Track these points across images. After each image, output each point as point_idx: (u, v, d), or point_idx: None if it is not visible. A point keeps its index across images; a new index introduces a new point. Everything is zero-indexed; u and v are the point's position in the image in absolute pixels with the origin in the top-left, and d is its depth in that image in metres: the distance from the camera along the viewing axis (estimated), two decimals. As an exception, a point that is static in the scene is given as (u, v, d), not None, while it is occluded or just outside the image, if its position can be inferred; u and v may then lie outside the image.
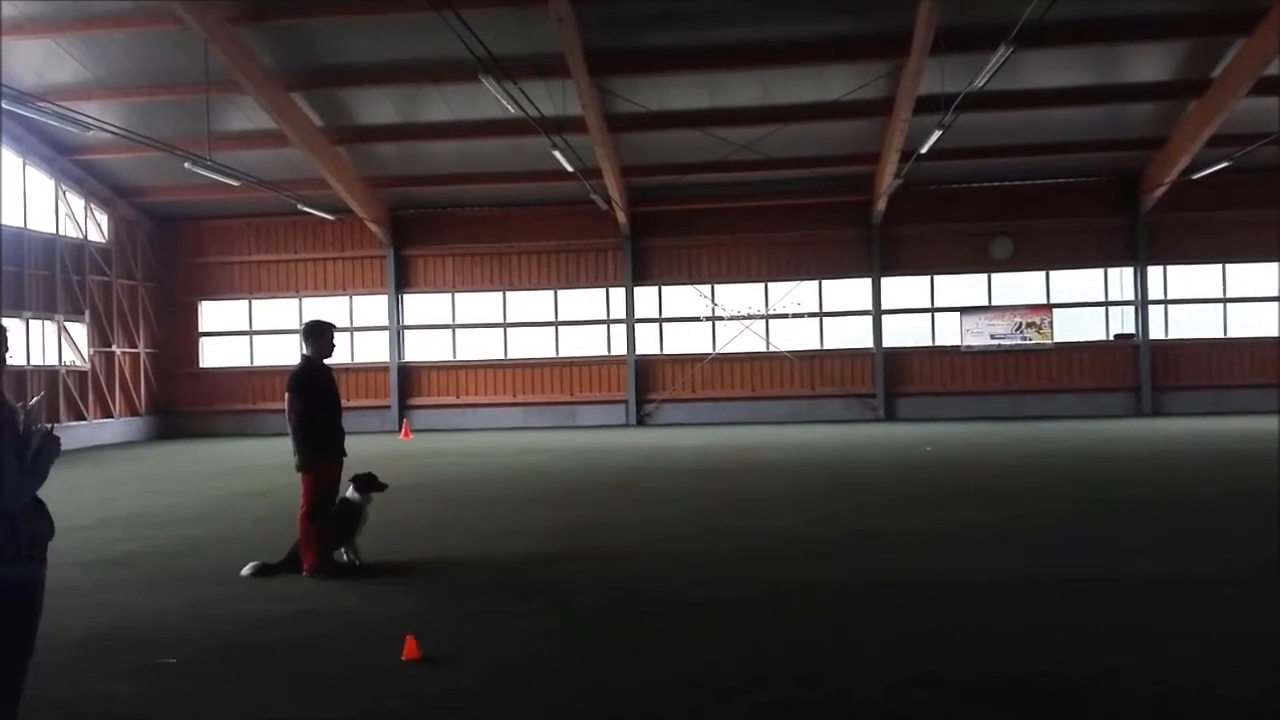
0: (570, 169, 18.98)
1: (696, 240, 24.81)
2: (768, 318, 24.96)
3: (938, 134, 18.66)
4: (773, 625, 5.87)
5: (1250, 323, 23.54)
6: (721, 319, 25.08)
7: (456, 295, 25.62)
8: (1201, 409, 22.87)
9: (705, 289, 25.12)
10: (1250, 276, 23.56)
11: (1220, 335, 23.61)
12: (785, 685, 4.67)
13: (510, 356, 25.49)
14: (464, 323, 25.66)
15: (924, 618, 5.83)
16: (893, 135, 20.27)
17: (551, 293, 25.42)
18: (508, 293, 25.48)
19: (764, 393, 24.81)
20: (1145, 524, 8.77)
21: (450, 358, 25.60)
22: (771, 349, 24.88)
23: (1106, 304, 24.08)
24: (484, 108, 18.85)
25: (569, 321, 25.49)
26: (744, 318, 25.01)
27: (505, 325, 25.57)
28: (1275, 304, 23.28)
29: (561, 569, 7.63)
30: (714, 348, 24.99)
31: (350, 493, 7.71)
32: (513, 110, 15.72)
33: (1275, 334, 23.08)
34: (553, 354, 25.46)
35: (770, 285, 24.99)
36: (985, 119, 20.28)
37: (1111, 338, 23.98)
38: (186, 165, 17.57)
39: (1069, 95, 19.84)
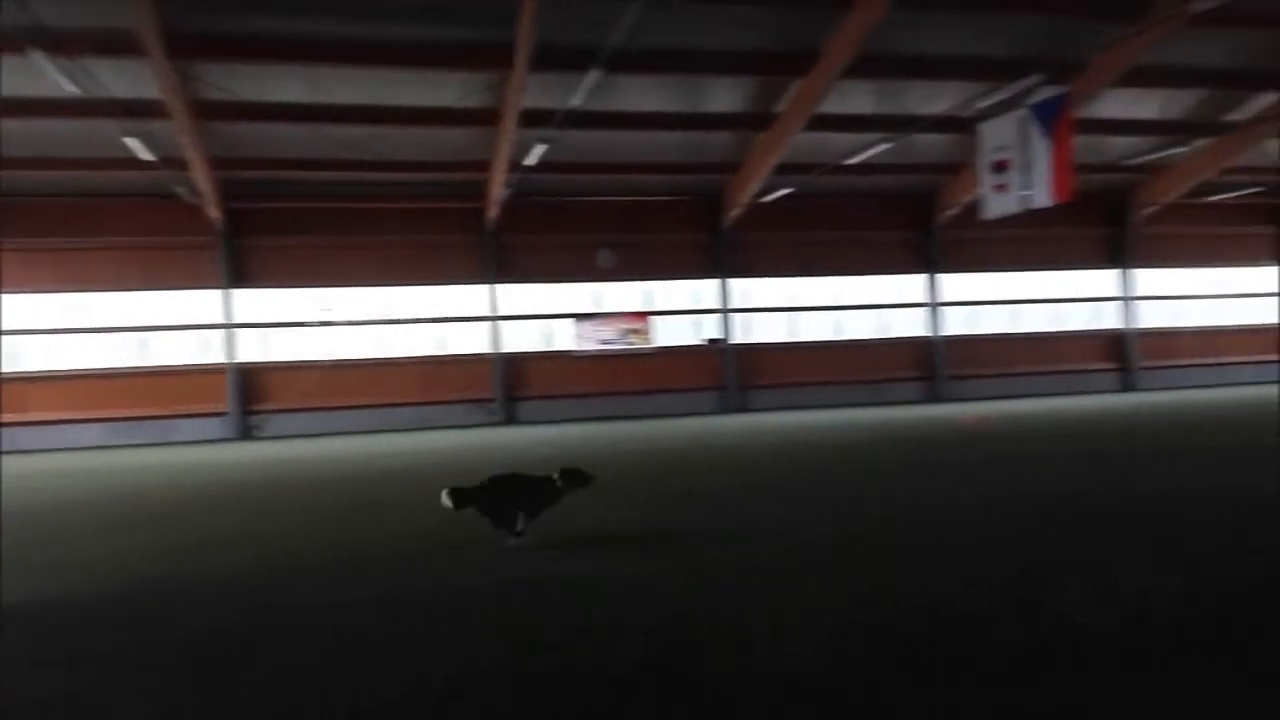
0: (150, 157, 17.25)
1: (305, 241, 23.66)
2: (385, 323, 24.43)
3: (543, 148, 19.39)
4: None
5: (818, 329, 26.94)
6: (336, 324, 24.14)
7: (8, 297, 22.22)
8: (777, 404, 25.81)
9: (318, 292, 24.04)
10: (817, 289, 26.97)
11: (793, 339, 26.77)
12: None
13: (85, 367, 22.63)
14: (20, 329, 22.35)
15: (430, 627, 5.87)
16: (501, 146, 20.70)
17: (135, 294, 22.93)
18: (81, 294, 22.60)
19: (384, 400, 24.22)
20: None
21: None
22: (391, 355, 24.37)
23: (697, 311, 26.37)
24: (42, 83, 16.53)
25: (158, 326, 23.15)
26: (360, 323, 24.27)
27: (78, 331, 22.65)
28: (836, 313, 26.93)
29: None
30: (328, 355, 23.98)
31: (556, 477, 6.99)
32: (74, 89, 13.97)
33: (837, 338, 26.78)
34: (140, 363, 22.98)
35: (387, 290, 24.47)
36: (588, 136, 21.41)
37: (702, 342, 26.30)
38: None
39: (659, 120, 21.46)
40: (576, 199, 25.11)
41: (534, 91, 18.55)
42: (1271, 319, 29.79)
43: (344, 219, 23.62)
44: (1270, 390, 24.58)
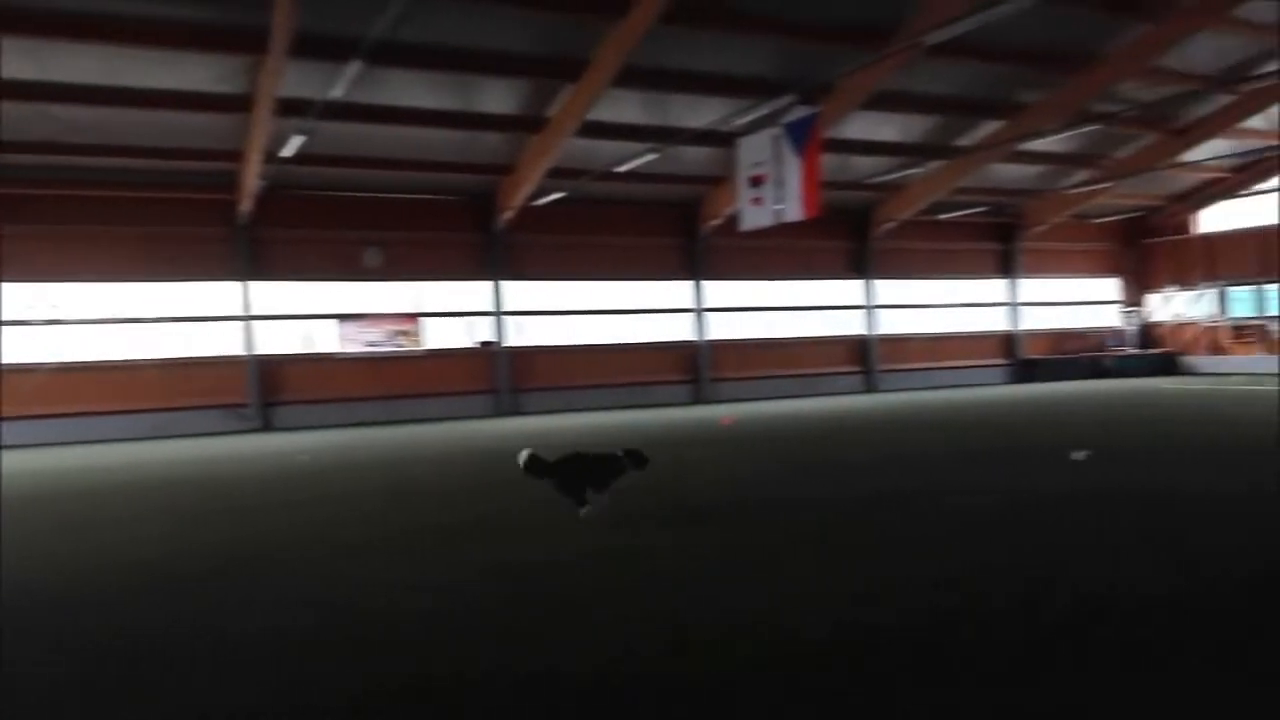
0: None
1: (21, 230, 21.27)
2: (123, 321, 22.45)
3: (300, 139, 18.49)
4: None
5: (590, 332, 27.26)
6: (65, 323, 21.92)
7: None
8: (551, 407, 25.91)
9: (41, 288, 21.73)
10: (590, 293, 27.29)
11: (563, 343, 26.95)
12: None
13: None
14: None
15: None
16: (255, 135, 19.54)
17: None
18: None
19: (124, 406, 22.21)
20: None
21: None
22: (130, 357, 22.41)
23: (470, 314, 26.01)
24: None
25: None
26: (94, 321, 22.18)
27: None
28: (608, 317, 27.38)
29: None
30: (55, 357, 21.72)
31: (622, 455, 7.71)
32: None
33: (616, 342, 27.25)
34: None
35: (127, 285, 22.49)
36: (353, 130, 20.63)
37: (476, 345, 25.96)
38: None
39: (429, 116, 20.99)
40: (340, 194, 24.11)
41: (292, 80, 17.63)
42: (996, 326, 33.22)
43: (67, 206, 21.44)
44: (991, 391, 27.30)
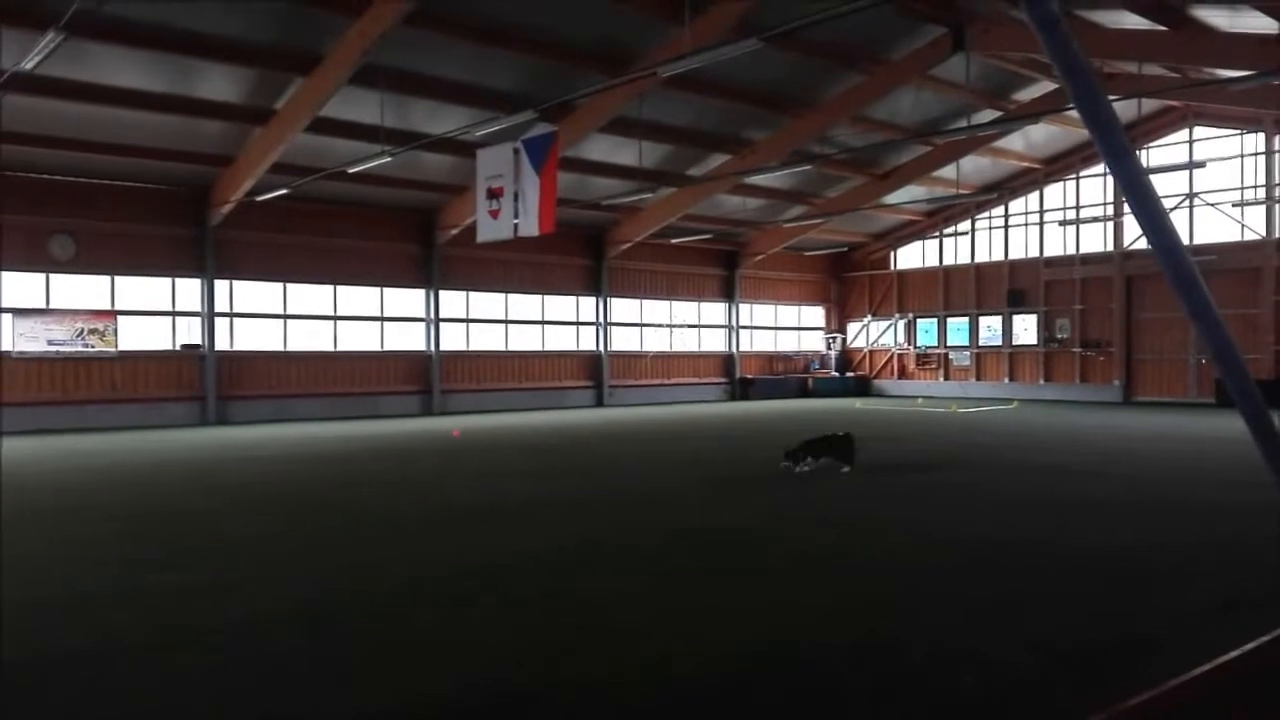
0: None
1: None
2: None
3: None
4: None
5: (314, 339, 25.80)
6: None
7: None
8: (263, 417, 24.23)
9: None
10: (314, 297, 25.83)
11: (281, 348, 25.33)
12: None
13: None
14: None
15: None
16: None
17: None
18: None
19: None
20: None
21: None
22: None
23: (174, 314, 23.80)
24: None
25: None
26: None
27: None
28: (334, 323, 26.05)
29: None
30: None
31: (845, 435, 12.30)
32: None
33: (341, 350, 25.96)
34: None
35: None
36: (46, 105, 18.40)
37: (179, 347, 23.79)
38: None
39: (138, 98, 19.05)
40: (26, 175, 21.32)
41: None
42: (718, 347, 35.03)
43: None
44: (709, 407, 28.73)
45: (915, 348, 36.70)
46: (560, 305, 30.92)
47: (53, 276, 22.10)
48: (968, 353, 35.00)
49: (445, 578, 6.99)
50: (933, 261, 36.04)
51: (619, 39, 19.84)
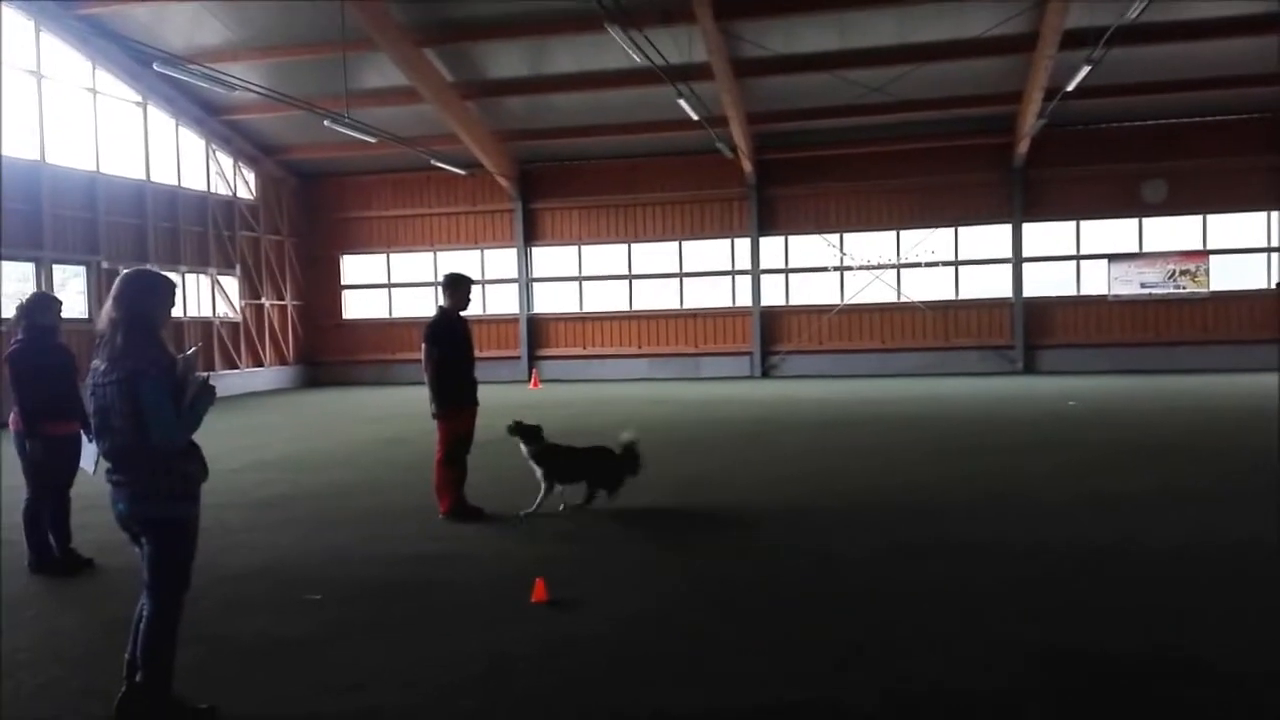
0: (695, 117, 18.77)
1: (824, 188, 24.21)
2: (899, 267, 24.22)
3: (1086, 70, 17.60)
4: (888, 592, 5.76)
5: None
6: (850, 269, 24.50)
7: (583, 248, 25.83)
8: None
9: (833, 238, 24.54)
10: None
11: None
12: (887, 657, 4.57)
13: (635, 308, 25.61)
14: (590, 275, 25.88)
15: (1048, 590, 5.56)
16: (1036, 73, 19.19)
17: (676, 244, 25.33)
18: (633, 244, 25.52)
19: (894, 345, 24.18)
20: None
21: (577, 309, 25.91)
22: (903, 299, 24.17)
23: (1269, 250, 22.31)
24: (610, 58, 18.81)
25: (694, 273, 25.37)
26: (874, 267, 24.34)
27: (631, 277, 25.66)
28: None
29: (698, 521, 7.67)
30: (842, 299, 24.47)
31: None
32: (638, 59, 15.59)
33: None
34: (677, 305, 25.44)
35: (902, 233, 24.18)
36: (1137, 53, 18.97)
37: (1274, 286, 22.22)
38: (326, 123, 18.19)
39: (1232, 25, 18.26)
40: (1118, 125, 22.49)
41: (1079, 9, 16.83)
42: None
43: (860, 163, 23.71)
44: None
45: None
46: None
47: (1145, 221, 22.90)
48: None
49: None
50: None
51: None
